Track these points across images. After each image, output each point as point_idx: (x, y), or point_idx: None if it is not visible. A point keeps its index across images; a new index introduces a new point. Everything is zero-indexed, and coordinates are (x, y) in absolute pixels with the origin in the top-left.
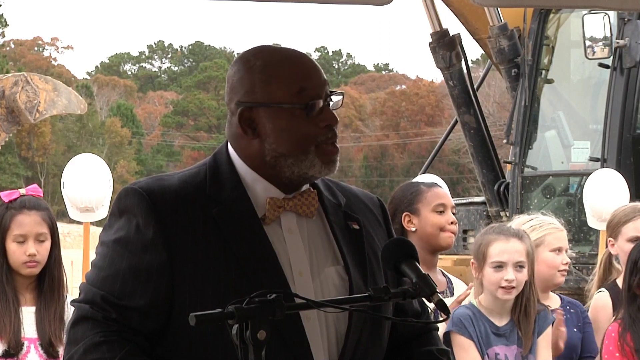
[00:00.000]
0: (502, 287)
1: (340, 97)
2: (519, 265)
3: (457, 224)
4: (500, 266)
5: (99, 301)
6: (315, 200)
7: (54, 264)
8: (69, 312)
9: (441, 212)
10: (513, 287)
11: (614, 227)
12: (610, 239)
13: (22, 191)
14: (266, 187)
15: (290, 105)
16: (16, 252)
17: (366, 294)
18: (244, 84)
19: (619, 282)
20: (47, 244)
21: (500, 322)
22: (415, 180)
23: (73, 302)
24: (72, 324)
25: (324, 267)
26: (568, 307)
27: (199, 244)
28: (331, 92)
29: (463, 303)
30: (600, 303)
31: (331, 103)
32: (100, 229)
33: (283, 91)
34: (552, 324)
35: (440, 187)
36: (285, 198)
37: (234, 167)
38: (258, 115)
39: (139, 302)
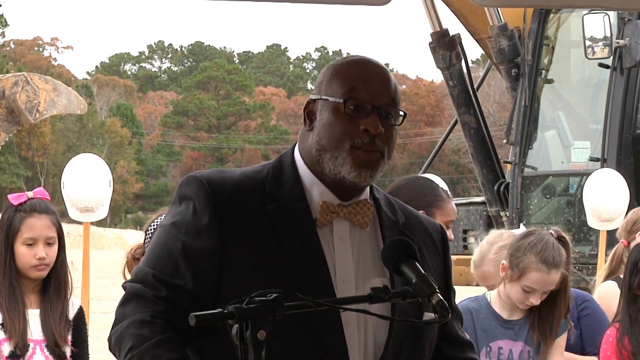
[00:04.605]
0: (524, 303)
1: (400, 116)
2: (545, 292)
3: None
4: (530, 291)
5: (150, 279)
6: (371, 211)
7: (60, 266)
8: (73, 310)
9: (448, 228)
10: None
11: None
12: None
13: (30, 194)
14: (322, 191)
15: (336, 100)
16: (26, 255)
17: (366, 294)
18: (318, 80)
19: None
20: (56, 247)
21: (511, 316)
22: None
23: (125, 283)
24: (122, 302)
25: (369, 277)
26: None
27: (252, 237)
28: (392, 109)
29: (473, 295)
30: (611, 294)
31: (386, 116)
32: (100, 229)
33: (338, 87)
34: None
35: None
36: (340, 205)
37: (297, 168)
38: (316, 107)
39: (189, 284)
